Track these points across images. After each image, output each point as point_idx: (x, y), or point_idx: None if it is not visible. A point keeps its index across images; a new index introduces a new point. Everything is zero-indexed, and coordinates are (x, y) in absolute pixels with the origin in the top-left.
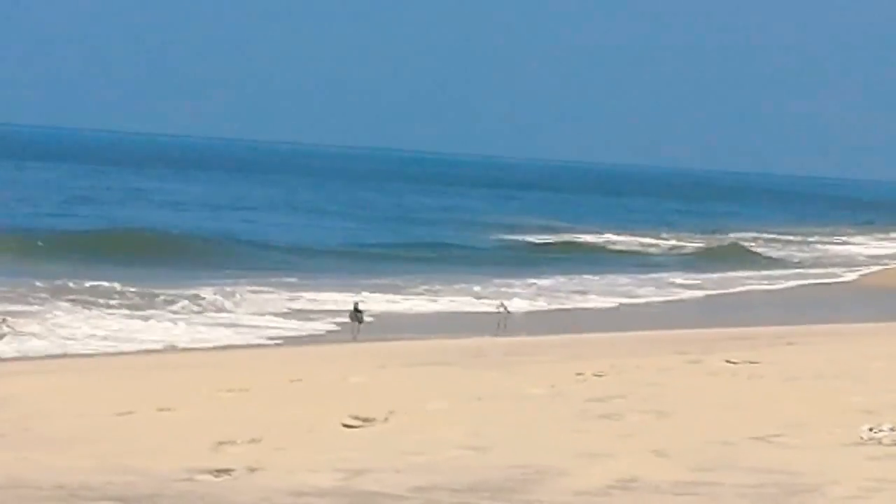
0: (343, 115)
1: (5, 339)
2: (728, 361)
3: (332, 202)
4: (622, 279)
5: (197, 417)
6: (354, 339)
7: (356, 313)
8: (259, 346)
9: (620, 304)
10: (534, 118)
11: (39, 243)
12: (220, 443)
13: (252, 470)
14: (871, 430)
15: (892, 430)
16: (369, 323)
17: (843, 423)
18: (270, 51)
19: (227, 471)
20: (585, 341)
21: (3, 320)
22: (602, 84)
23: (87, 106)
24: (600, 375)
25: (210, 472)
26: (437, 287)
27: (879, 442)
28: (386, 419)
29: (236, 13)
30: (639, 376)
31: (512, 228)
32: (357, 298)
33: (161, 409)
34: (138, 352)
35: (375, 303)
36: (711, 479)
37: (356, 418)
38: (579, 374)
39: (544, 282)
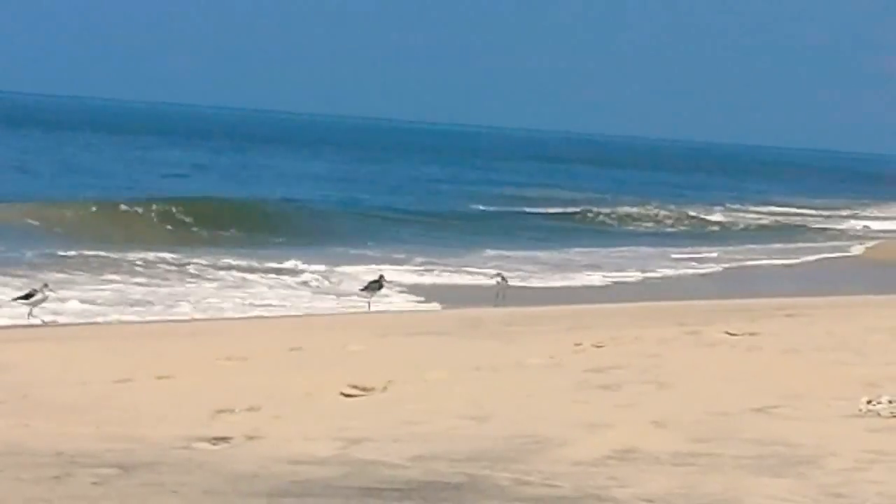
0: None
1: (41, 306)
2: (727, 333)
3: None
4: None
5: (195, 386)
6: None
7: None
8: (259, 316)
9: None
10: (526, 90)
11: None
12: (219, 411)
13: (250, 438)
14: (869, 402)
15: (890, 402)
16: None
17: (842, 396)
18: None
19: (225, 439)
20: (584, 312)
21: (45, 286)
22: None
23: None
24: (599, 346)
25: (208, 440)
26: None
27: (878, 414)
28: (385, 388)
29: None
30: (638, 347)
31: (530, 200)
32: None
33: (160, 378)
34: (143, 322)
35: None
36: (710, 449)
37: (355, 387)
38: (578, 344)
39: (551, 254)
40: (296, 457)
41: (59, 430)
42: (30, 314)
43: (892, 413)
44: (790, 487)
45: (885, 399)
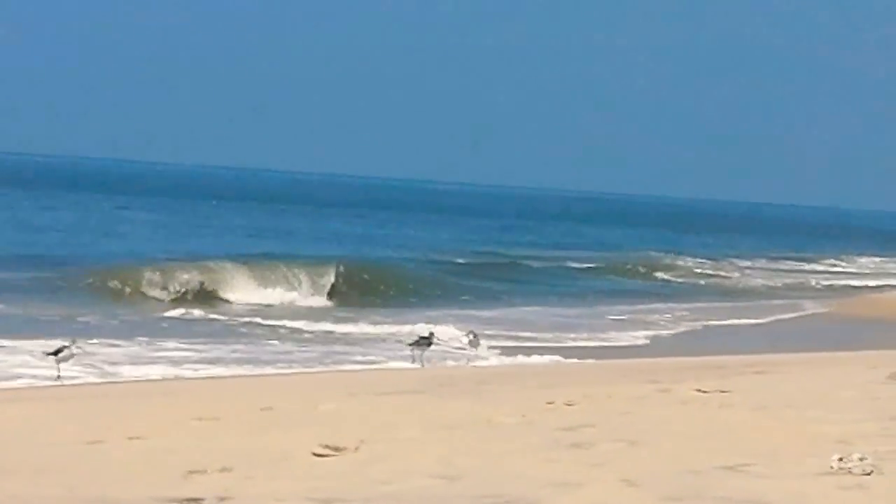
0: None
1: (70, 362)
2: (698, 390)
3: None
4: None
5: (167, 446)
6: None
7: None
8: (228, 375)
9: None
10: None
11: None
12: (191, 472)
13: (222, 499)
14: (840, 459)
15: (861, 459)
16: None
17: (814, 453)
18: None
19: (197, 500)
20: (556, 370)
21: (73, 342)
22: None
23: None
24: (571, 404)
25: (180, 500)
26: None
27: (849, 471)
28: (356, 448)
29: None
30: (609, 405)
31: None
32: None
33: (131, 438)
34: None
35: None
36: None
37: (326, 447)
38: (550, 402)
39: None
40: None
41: (29, 492)
42: (58, 371)
43: (863, 471)
44: None
45: (856, 456)
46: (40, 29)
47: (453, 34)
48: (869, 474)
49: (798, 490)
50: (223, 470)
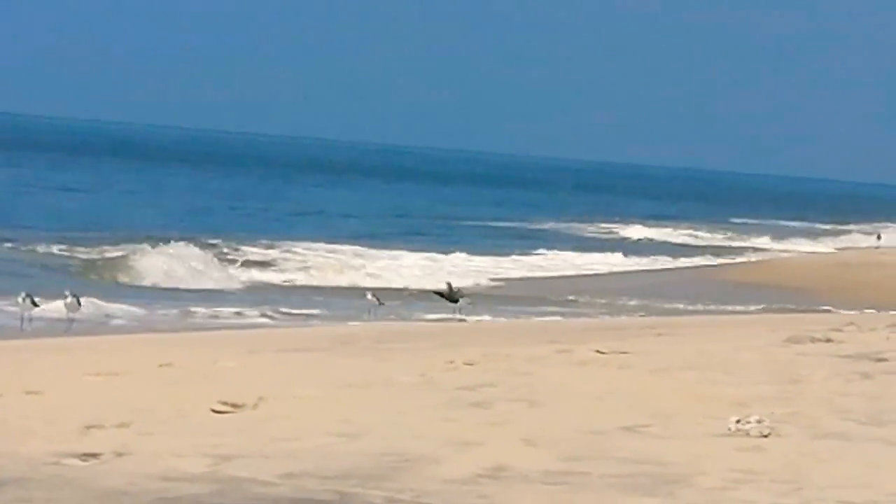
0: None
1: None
2: (598, 351)
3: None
4: None
5: (65, 401)
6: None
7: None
8: (130, 330)
9: None
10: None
11: None
12: (89, 427)
13: (120, 455)
14: (738, 421)
15: (759, 422)
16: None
17: (712, 415)
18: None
19: (94, 455)
20: (456, 330)
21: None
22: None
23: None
24: (471, 364)
25: (78, 455)
26: None
27: (747, 433)
28: (255, 405)
29: None
30: (509, 365)
31: None
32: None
33: (29, 392)
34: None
35: None
36: (581, 468)
37: (225, 403)
38: (450, 362)
39: None
40: (166, 473)
41: None
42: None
43: (760, 433)
44: None
45: (753, 419)
46: None
47: None
48: (766, 436)
49: (696, 451)
50: (121, 425)
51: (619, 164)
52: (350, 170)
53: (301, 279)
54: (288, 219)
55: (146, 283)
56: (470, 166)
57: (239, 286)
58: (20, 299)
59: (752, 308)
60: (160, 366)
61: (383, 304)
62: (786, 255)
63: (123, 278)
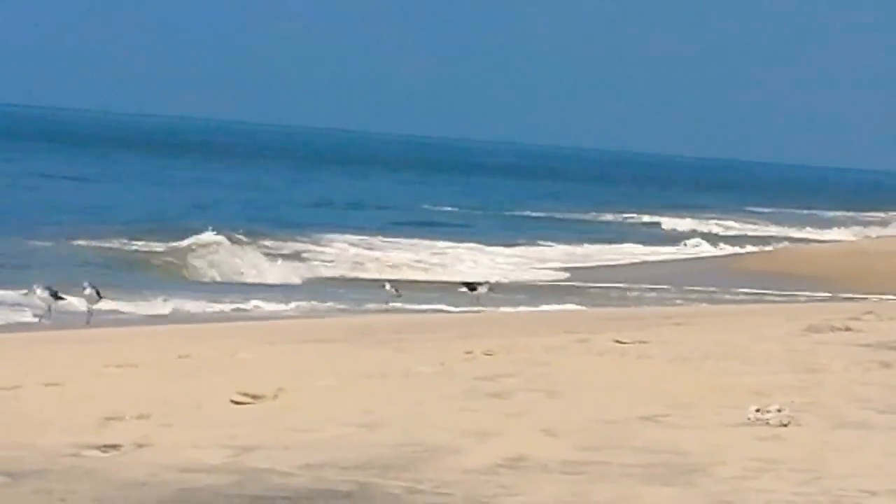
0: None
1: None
2: (617, 341)
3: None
4: None
5: (85, 393)
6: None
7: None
8: (148, 321)
9: None
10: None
11: None
12: (108, 418)
13: (139, 446)
14: (757, 410)
15: (778, 411)
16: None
17: (731, 404)
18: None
19: (114, 446)
20: (475, 320)
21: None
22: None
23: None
24: (490, 354)
25: (97, 447)
26: None
27: (766, 423)
28: (275, 396)
29: None
30: (528, 355)
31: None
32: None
33: (48, 384)
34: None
35: None
36: (599, 458)
37: (245, 395)
38: (468, 352)
39: None
40: (185, 464)
41: None
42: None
43: (780, 422)
44: (679, 496)
45: (773, 408)
46: None
47: None
48: (786, 426)
49: (715, 441)
50: (140, 417)
51: (635, 152)
52: (393, 162)
53: (391, 274)
54: (367, 213)
55: (207, 278)
56: (498, 158)
57: (298, 281)
58: (85, 291)
59: (771, 296)
60: (179, 357)
61: (401, 294)
62: (804, 245)
63: (192, 273)
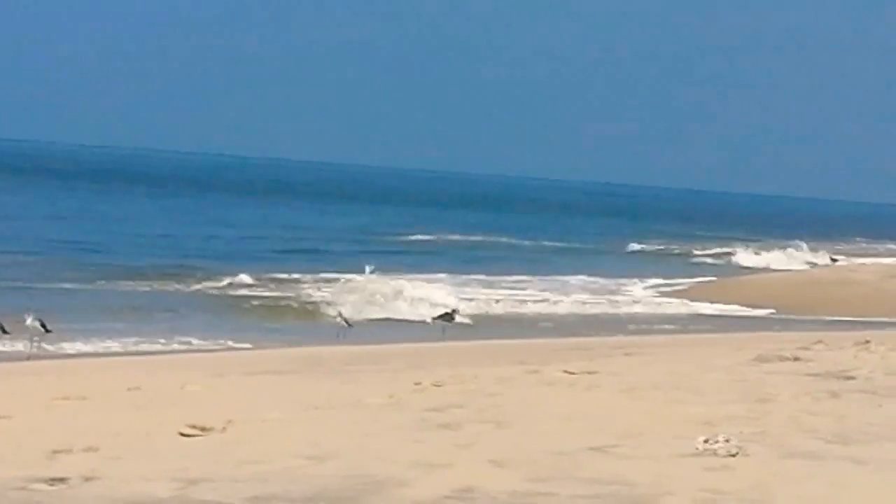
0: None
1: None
2: (566, 371)
3: None
4: None
5: (33, 425)
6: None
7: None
8: (99, 354)
9: None
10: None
11: None
12: (56, 451)
13: (87, 479)
14: (706, 441)
15: (727, 441)
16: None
17: (680, 434)
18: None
19: (62, 479)
20: (425, 351)
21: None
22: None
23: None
24: (439, 385)
25: (45, 480)
26: None
27: (715, 453)
28: (223, 428)
29: None
30: (477, 386)
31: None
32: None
33: None
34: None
35: None
36: (548, 489)
37: (193, 427)
38: (417, 383)
39: None
40: (134, 497)
41: None
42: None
43: (728, 452)
44: None
45: (721, 438)
46: None
47: None
48: (734, 455)
49: (663, 471)
50: (89, 449)
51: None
52: (403, 196)
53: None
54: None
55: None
56: (472, 188)
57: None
58: (27, 322)
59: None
60: (128, 389)
61: (352, 325)
62: (757, 274)
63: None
